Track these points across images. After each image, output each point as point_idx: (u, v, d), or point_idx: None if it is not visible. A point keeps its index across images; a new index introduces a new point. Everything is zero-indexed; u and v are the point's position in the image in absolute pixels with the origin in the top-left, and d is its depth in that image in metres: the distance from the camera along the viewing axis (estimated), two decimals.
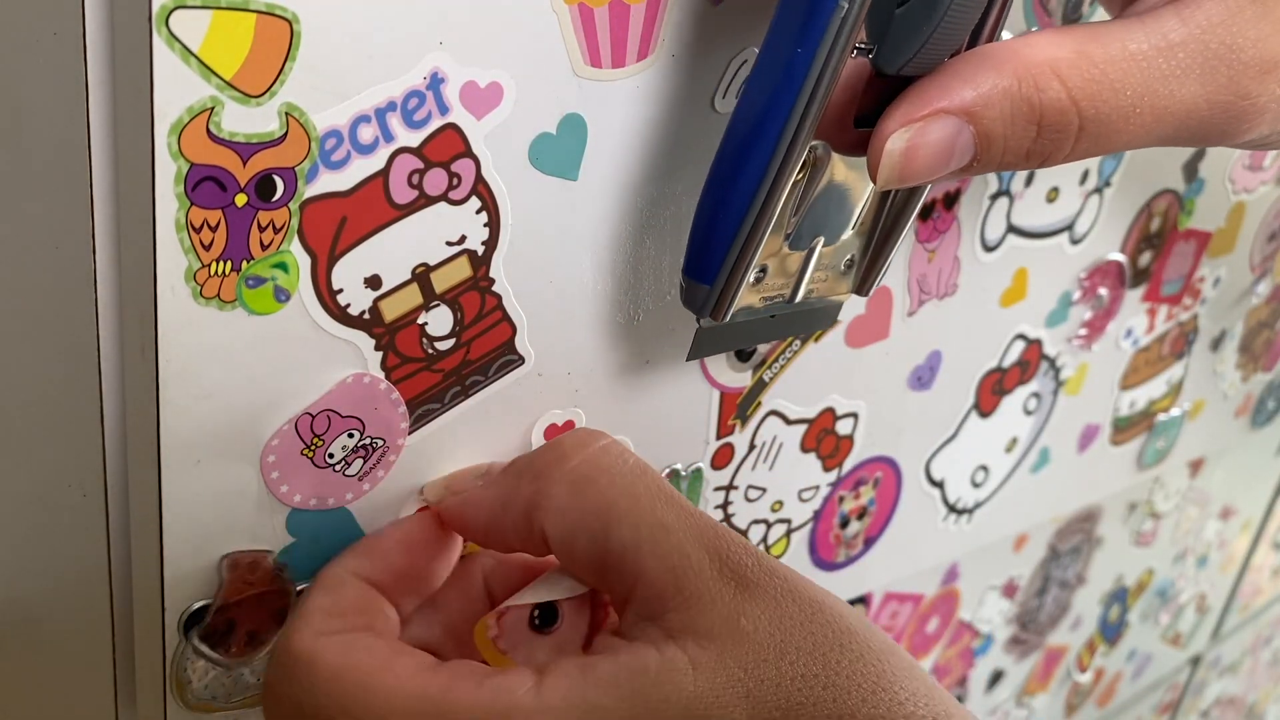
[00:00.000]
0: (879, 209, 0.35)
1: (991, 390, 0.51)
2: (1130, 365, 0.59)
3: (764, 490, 0.44)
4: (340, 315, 0.28)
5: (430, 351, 0.31)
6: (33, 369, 0.26)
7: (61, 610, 0.29)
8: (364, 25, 0.25)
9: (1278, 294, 0.67)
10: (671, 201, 0.33)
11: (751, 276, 0.32)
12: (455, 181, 0.29)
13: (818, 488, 0.46)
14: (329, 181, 0.27)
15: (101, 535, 0.29)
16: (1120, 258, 0.53)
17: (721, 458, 0.41)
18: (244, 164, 0.25)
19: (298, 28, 0.24)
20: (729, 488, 0.42)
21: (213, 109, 0.24)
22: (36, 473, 0.28)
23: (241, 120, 0.25)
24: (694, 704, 0.26)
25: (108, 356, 0.27)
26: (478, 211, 0.30)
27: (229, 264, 0.26)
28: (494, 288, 0.31)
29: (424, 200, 0.28)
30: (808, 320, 0.37)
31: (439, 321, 0.30)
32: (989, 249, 0.46)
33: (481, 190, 0.29)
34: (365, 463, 0.31)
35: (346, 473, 0.31)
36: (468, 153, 0.29)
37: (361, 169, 0.27)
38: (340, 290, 0.28)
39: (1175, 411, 0.65)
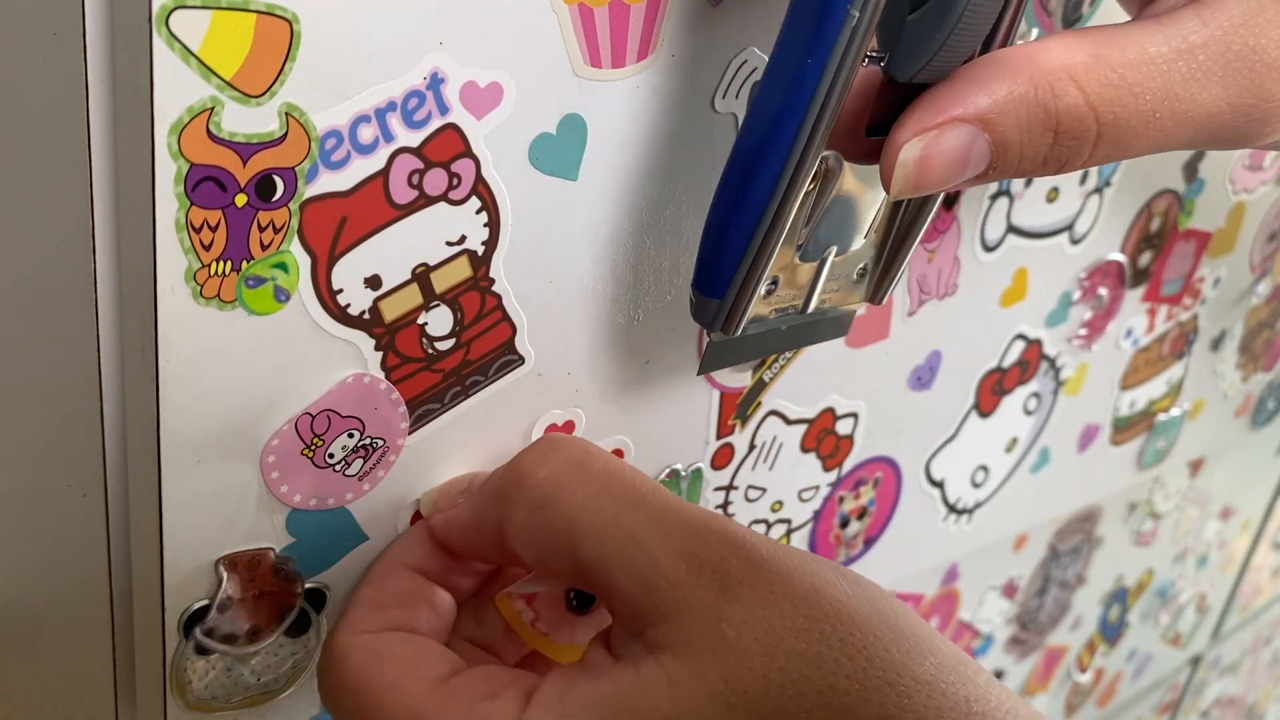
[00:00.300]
0: (891, 216, 0.34)
1: (991, 390, 0.51)
2: (1130, 365, 0.59)
3: (764, 490, 0.44)
4: (340, 315, 0.28)
5: (430, 351, 0.31)
6: (33, 369, 0.26)
7: (61, 610, 0.29)
8: (364, 25, 0.25)
9: (1278, 294, 0.67)
10: (671, 201, 0.33)
11: (763, 289, 0.31)
12: (455, 181, 0.29)
13: (818, 488, 0.46)
14: (329, 181, 0.27)
15: (101, 535, 0.29)
16: (1120, 258, 0.53)
17: (721, 458, 0.41)
18: (244, 164, 0.25)
19: (298, 28, 0.24)
20: (729, 488, 0.42)
21: (213, 109, 0.24)
22: (36, 473, 0.28)
23: (241, 120, 0.25)
24: None
25: (108, 357, 0.27)
26: (478, 211, 0.30)
27: (229, 264, 0.26)
28: (494, 288, 0.31)
29: (424, 200, 0.28)
30: (820, 330, 0.37)
31: (439, 321, 0.30)
32: (989, 249, 0.46)
33: (481, 190, 0.29)
34: (365, 463, 0.31)
35: (346, 473, 0.31)
36: (468, 153, 0.29)
37: (361, 169, 0.27)
38: (340, 290, 0.28)
39: (1175, 411, 0.65)
